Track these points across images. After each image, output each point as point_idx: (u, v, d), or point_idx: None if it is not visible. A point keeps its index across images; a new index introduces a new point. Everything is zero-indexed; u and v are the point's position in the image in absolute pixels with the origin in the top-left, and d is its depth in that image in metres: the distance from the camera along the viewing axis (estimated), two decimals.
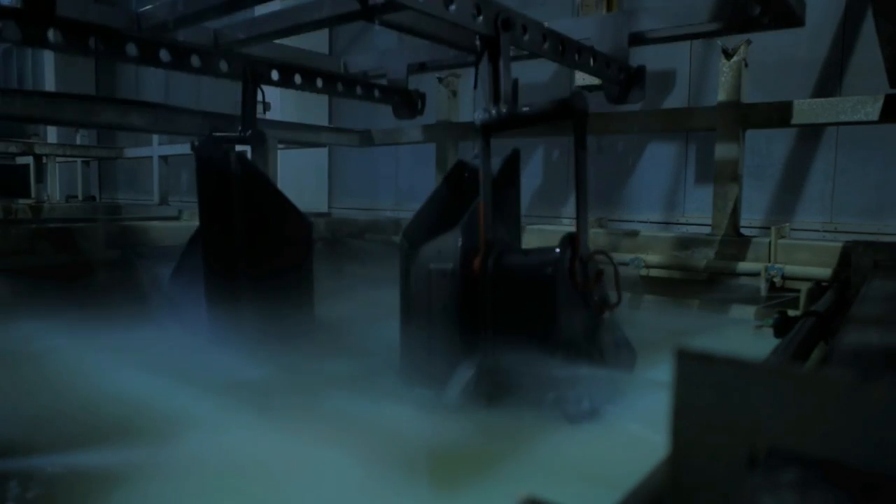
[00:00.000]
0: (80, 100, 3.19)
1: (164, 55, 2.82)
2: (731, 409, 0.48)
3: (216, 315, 2.58)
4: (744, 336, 2.80)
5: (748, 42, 3.05)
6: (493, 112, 1.96)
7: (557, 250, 1.84)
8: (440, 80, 4.23)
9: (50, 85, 9.87)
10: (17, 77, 11.26)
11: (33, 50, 10.68)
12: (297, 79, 3.36)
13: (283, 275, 2.74)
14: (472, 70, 2.34)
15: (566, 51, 2.46)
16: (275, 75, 3.24)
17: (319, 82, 3.50)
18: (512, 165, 2.21)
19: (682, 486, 0.51)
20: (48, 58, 10.05)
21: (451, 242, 1.98)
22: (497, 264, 1.91)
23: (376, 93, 3.83)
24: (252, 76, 2.96)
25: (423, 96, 4.04)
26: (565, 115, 1.87)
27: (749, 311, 2.94)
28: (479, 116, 1.99)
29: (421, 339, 2.04)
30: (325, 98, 6.59)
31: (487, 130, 2.01)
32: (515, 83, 1.99)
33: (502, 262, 1.92)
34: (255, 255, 2.68)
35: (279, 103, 5.80)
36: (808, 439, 0.45)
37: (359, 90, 3.72)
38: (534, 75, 4.82)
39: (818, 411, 0.44)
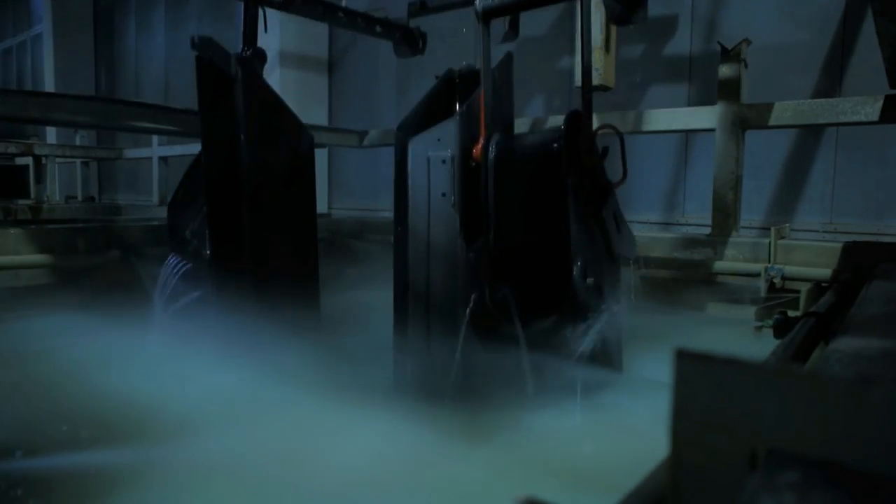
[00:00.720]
0: (79, 100, 3.19)
1: None
2: (731, 409, 0.48)
3: (218, 225, 2.53)
4: (744, 336, 2.80)
5: (747, 41, 3.05)
6: None
7: (562, 127, 1.77)
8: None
9: (49, 85, 9.87)
10: (17, 77, 11.28)
11: (33, 50, 10.70)
12: (299, 2, 3.32)
13: (286, 185, 2.69)
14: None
15: None
16: None
17: (320, 9, 3.48)
18: (506, 67, 2.16)
19: (682, 488, 0.51)
20: (48, 58, 10.05)
21: (450, 129, 1.88)
22: (499, 148, 1.86)
23: (377, 28, 3.79)
24: None
25: (424, 35, 3.98)
26: None
27: (749, 312, 2.94)
28: (480, 2, 1.90)
29: (419, 235, 1.91)
30: (324, 98, 6.59)
31: (488, 16, 1.93)
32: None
33: (504, 145, 1.86)
34: (259, 164, 2.57)
35: None
36: (808, 440, 0.44)
37: (360, 22, 3.70)
38: (535, 76, 4.83)
39: (818, 412, 0.44)
